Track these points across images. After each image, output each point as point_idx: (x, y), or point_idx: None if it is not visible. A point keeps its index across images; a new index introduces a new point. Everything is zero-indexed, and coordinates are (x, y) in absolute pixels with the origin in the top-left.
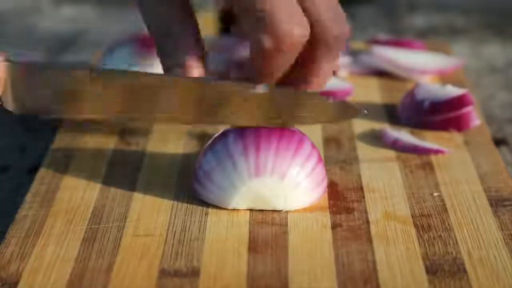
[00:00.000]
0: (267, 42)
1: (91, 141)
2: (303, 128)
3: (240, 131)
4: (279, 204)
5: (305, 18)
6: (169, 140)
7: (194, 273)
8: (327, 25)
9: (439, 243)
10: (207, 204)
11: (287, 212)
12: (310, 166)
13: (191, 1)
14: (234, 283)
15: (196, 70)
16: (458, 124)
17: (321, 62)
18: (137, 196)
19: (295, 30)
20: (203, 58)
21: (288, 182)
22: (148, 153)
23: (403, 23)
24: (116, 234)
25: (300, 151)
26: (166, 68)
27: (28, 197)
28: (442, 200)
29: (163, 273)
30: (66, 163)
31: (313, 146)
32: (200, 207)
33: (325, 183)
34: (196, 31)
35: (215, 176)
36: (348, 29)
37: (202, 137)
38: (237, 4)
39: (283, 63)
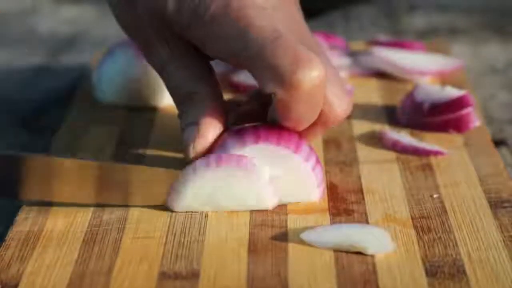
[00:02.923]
0: (280, 93)
1: (91, 142)
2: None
3: (239, 136)
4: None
5: (321, 64)
6: (168, 144)
7: (194, 275)
8: (332, 106)
9: (439, 245)
10: None
11: (286, 214)
12: (310, 166)
13: (210, 64)
14: (234, 285)
15: (212, 128)
16: (458, 125)
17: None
18: None
19: (306, 76)
20: (222, 117)
21: None
22: (148, 156)
23: (403, 23)
24: (116, 236)
25: (299, 152)
26: (183, 126)
27: None
28: (442, 202)
29: (163, 276)
30: None
31: (311, 149)
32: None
33: (323, 186)
34: (217, 91)
35: None
36: (349, 109)
37: None
38: (245, 65)
39: (306, 111)
